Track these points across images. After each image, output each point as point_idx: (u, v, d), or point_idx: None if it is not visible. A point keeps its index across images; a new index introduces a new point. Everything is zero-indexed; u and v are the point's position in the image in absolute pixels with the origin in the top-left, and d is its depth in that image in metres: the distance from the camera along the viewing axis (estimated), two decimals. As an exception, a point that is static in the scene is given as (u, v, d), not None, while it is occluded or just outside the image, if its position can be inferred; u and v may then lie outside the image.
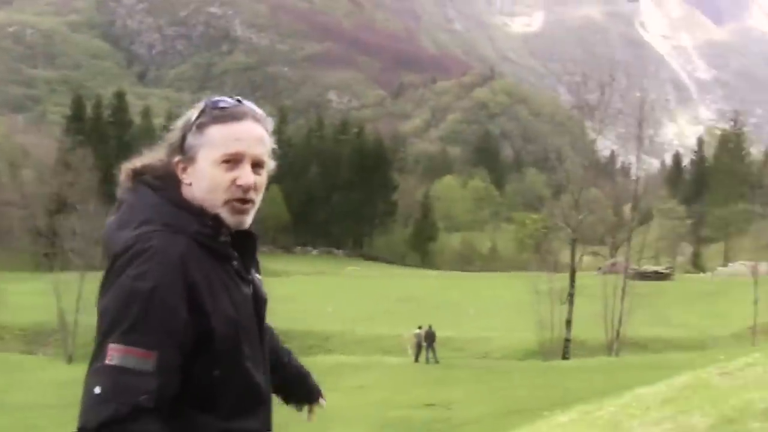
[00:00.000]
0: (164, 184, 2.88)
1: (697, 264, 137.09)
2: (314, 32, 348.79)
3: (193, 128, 2.85)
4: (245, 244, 2.92)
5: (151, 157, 3.01)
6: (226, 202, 2.81)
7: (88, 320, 63.25)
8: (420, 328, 51.28)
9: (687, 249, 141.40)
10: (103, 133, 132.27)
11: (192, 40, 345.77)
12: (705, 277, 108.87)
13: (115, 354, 2.56)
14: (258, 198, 2.89)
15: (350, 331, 67.16)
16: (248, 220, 2.88)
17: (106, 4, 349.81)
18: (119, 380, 2.54)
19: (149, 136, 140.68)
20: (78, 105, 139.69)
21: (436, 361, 49.10)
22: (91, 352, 2.64)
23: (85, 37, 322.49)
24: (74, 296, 63.30)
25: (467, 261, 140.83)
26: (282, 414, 3.29)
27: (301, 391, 3.60)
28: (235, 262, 2.88)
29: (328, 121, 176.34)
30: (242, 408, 2.82)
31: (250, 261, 2.96)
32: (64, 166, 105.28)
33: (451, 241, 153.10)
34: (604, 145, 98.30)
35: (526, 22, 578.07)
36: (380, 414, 35.53)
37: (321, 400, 3.68)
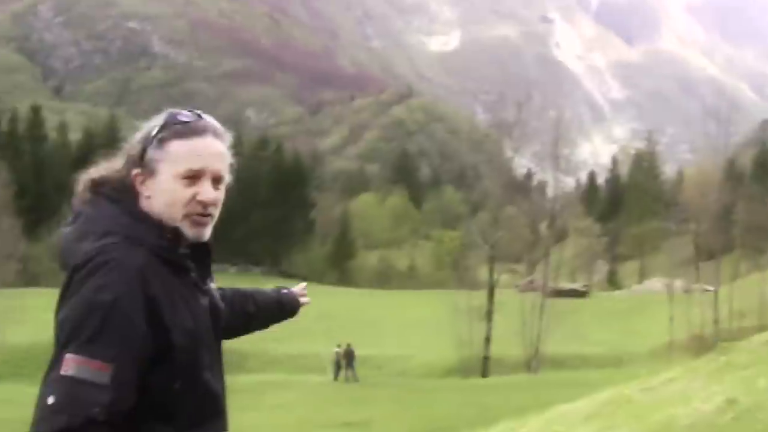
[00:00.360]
0: (122, 196, 2.89)
1: (612, 281, 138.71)
2: (233, 49, 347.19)
3: (154, 142, 2.87)
4: (201, 256, 2.94)
5: (108, 168, 3.00)
6: (186, 216, 2.84)
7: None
8: (339, 346, 51.26)
9: (603, 267, 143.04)
10: (17, 147, 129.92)
11: (109, 54, 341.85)
12: (621, 295, 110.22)
13: (71, 365, 2.56)
14: (217, 212, 2.91)
15: (269, 350, 66.72)
16: (207, 233, 2.91)
17: (23, 17, 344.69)
18: (73, 391, 2.54)
19: (65, 151, 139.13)
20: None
21: (356, 380, 49.11)
22: (48, 362, 2.64)
23: (0, 50, 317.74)
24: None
25: (386, 278, 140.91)
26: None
27: (282, 314, 3.84)
28: (193, 274, 2.90)
29: (246, 138, 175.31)
30: (200, 418, 2.83)
31: (206, 272, 2.99)
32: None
33: (369, 259, 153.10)
34: (521, 164, 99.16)
35: (443, 41, 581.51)
36: (297, 433, 35.38)
37: (303, 300, 3.95)
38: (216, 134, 2.93)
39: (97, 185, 2.93)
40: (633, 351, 67.98)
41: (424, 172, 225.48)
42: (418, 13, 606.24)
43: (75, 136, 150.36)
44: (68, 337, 2.61)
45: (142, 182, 2.86)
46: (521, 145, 71.95)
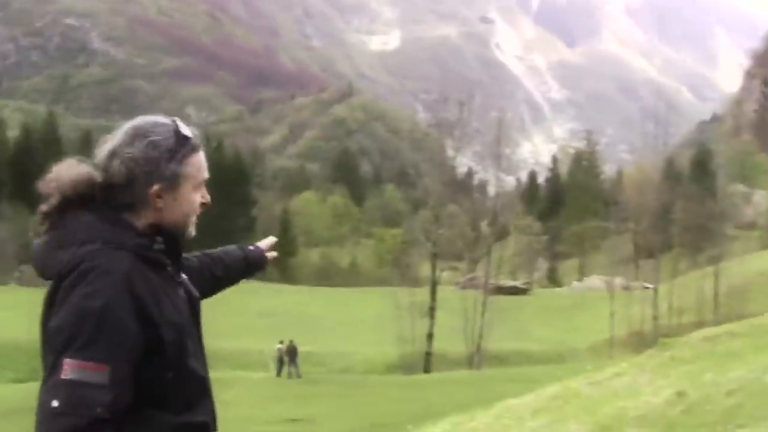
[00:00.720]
0: (97, 202, 2.99)
1: (553, 279, 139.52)
2: (172, 47, 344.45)
3: (177, 157, 3.03)
4: (172, 250, 3.08)
5: (78, 173, 3.05)
6: (192, 220, 3.13)
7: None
8: (282, 342, 51.17)
9: (543, 264, 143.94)
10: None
11: (47, 51, 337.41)
12: (561, 292, 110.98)
13: (70, 369, 2.68)
14: None
15: (211, 347, 66.08)
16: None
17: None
18: (75, 394, 2.67)
19: (3, 148, 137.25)
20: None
21: (299, 376, 49.04)
22: (43, 370, 2.78)
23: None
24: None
25: (327, 276, 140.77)
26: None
27: (249, 270, 3.98)
28: (169, 268, 3.06)
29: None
30: (191, 402, 3.00)
31: (179, 264, 3.14)
32: None
33: (311, 257, 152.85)
34: (461, 162, 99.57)
35: (384, 41, 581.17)
36: (242, 430, 35.25)
37: (269, 255, 4.09)
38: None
39: (67, 192, 2.99)
40: (574, 347, 68.58)
41: (365, 170, 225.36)
42: (359, 13, 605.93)
43: (13, 133, 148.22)
44: (65, 343, 2.72)
45: (158, 196, 3.00)
46: (462, 144, 72.20)
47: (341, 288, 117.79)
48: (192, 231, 3.13)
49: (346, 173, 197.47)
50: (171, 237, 3.06)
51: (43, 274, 2.95)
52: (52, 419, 2.65)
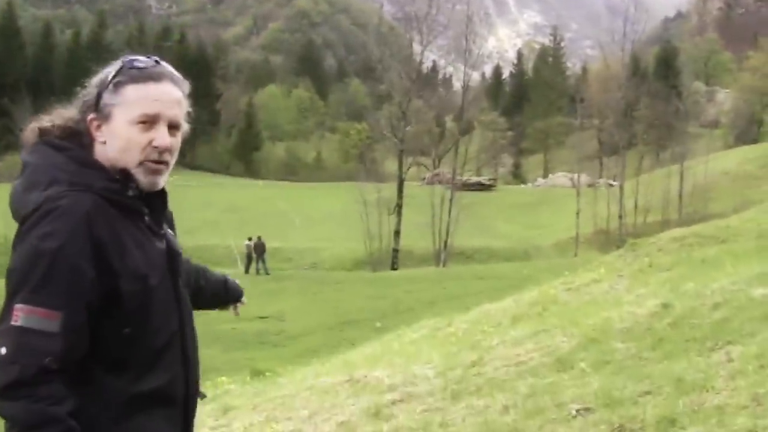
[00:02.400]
0: (69, 143, 2.86)
1: (517, 175, 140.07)
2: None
3: (110, 86, 2.83)
4: (156, 200, 2.92)
5: (60, 115, 2.95)
6: (141, 163, 2.81)
7: None
8: (250, 239, 51.21)
9: (508, 161, 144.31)
10: None
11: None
12: (526, 189, 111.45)
13: (20, 315, 2.58)
14: (172, 160, 2.90)
15: (179, 242, 66.34)
16: (162, 181, 2.89)
17: None
18: (24, 341, 2.57)
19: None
20: None
21: (267, 273, 49.15)
22: None
23: None
24: None
25: (292, 171, 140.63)
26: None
27: (226, 296, 3.78)
28: (146, 218, 2.89)
29: (149, 27, 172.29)
30: (152, 362, 2.82)
31: (161, 216, 2.97)
32: None
33: (275, 151, 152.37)
34: (427, 57, 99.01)
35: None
36: (211, 327, 35.38)
37: (242, 299, 3.88)
38: (173, 81, 2.92)
39: (43, 134, 2.90)
40: (539, 244, 69.12)
41: (330, 63, 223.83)
42: None
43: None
44: (16, 287, 2.63)
45: (98, 127, 2.85)
46: (429, 39, 71.80)
47: (307, 183, 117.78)
48: (151, 181, 2.85)
49: (310, 66, 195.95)
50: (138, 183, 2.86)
51: (16, 217, 2.83)
52: (0, 367, 2.57)
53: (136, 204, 2.83)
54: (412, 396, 7.91)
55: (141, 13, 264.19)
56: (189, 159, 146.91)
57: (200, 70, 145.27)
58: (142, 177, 2.82)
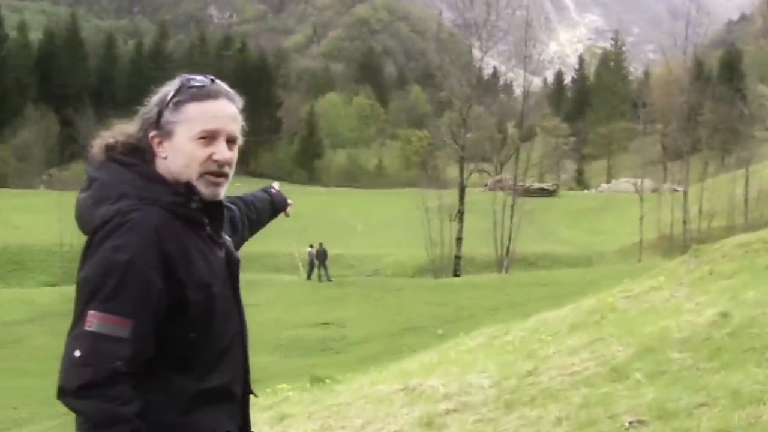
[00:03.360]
0: (135, 159, 3.03)
1: (580, 181, 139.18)
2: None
3: (170, 105, 3.00)
4: (215, 211, 3.09)
5: (122, 131, 3.10)
6: (201, 175, 2.98)
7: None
8: (312, 246, 51.32)
9: (570, 166, 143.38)
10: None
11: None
12: (589, 194, 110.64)
13: (93, 321, 2.77)
14: (231, 172, 3.08)
15: (241, 250, 66.56)
16: (222, 193, 3.08)
17: None
18: (97, 346, 2.75)
19: (26, 52, 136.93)
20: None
21: (329, 279, 49.24)
22: (72, 319, 2.84)
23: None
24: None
25: (354, 178, 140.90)
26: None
27: (275, 211, 4.12)
28: (208, 228, 3.06)
29: (210, 37, 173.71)
30: (214, 364, 3.01)
31: (219, 225, 3.14)
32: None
33: (337, 158, 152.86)
34: (487, 63, 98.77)
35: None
36: (274, 334, 35.61)
37: (288, 204, 4.22)
38: (229, 98, 3.10)
39: (109, 150, 3.05)
40: (602, 250, 68.53)
41: (389, 71, 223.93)
42: None
43: (35, 35, 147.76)
44: (90, 295, 2.80)
45: (159, 144, 3.00)
46: (489, 45, 71.56)
47: (368, 190, 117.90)
48: (213, 192, 3.01)
49: (370, 74, 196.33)
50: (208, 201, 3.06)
51: (84, 229, 3.01)
52: (73, 369, 2.75)
53: (199, 215, 3.01)
54: (466, 406, 7.87)
55: (202, 22, 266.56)
56: (251, 167, 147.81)
57: (261, 79, 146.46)
58: (204, 189, 2.99)
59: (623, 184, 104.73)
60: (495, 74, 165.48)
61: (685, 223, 66.91)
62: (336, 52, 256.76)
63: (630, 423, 6.12)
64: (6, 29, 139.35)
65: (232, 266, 3.14)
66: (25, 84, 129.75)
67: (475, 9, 71.45)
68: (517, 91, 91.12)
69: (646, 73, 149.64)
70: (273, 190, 4.15)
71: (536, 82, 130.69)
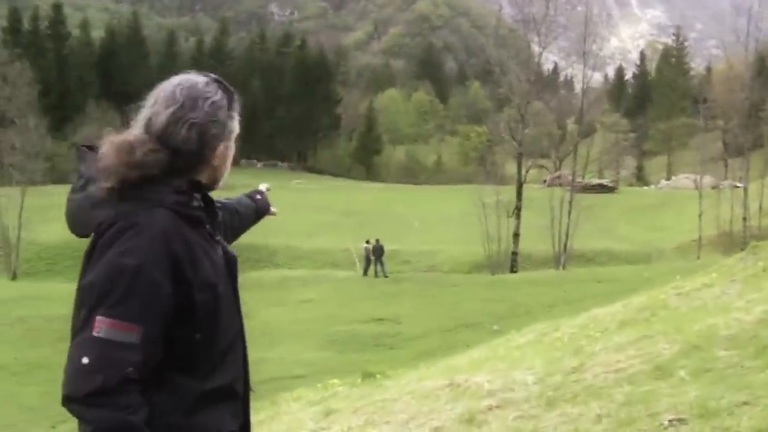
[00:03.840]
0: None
1: (640, 177, 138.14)
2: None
3: (230, 113, 3.09)
4: (210, 209, 3.14)
5: (124, 133, 3.07)
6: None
7: (31, 236, 62.87)
8: (368, 241, 51.37)
9: (630, 162, 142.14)
10: (41, 46, 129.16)
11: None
12: (649, 191, 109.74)
13: (102, 327, 2.73)
14: None
15: (297, 245, 66.97)
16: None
17: None
18: (106, 352, 2.72)
19: (88, 49, 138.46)
20: (14, 17, 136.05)
21: (385, 275, 49.24)
22: (73, 324, 2.84)
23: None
24: (16, 212, 62.75)
25: (412, 174, 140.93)
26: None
27: (258, 217, 4.17)
28: (207, 226, 3.09)
29: (270, 34, 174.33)
30: (218, 363, 3.01)
31: (215, 224, 3.18)
32: (1, 80, 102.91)
33: (395, 154, 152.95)
34: (547, 59, 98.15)
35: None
36: (328, 329, 35.70)
37: (271, 210, 4.28)
38: None
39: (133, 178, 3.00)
40: (661, 247, 67.93)
41: (450, 67, 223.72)
42: None
43: (98, 33, 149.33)
44: (97, 300, 2.76)
45: (214, 149, 3.06)
46: (548, 40, 71.20)
47: (426, 186, 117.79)
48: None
49: (430, 70, 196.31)
50: (207, 194, 3.12)
51: (76, 230, 3.03)
52: (82, 376, 2.70)
53: (201, 215, 3.03)
54: (508, 402, 7.81)
55: (263, 20, 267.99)
56: (311, 163, 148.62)
57: (320, 76, 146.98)
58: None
59: (683, 180, 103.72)
60: (555, 70, 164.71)
61: (745, 219, 66.08)
62: (396, 49, 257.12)
63: (669, 421, 6.04)
64: (69, 27, 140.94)
65: (231, 264, 3.15)
66: (87, 81, 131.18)
67: (535, 4, 71.05)
68: (578, 87, 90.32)
69: (708, 69, 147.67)
70: (258, 197, 4.16)
71: (597, 77, 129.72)
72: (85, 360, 2.70)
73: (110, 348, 2.71)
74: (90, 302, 2.77)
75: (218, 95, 3.03)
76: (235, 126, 3.11)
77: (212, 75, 3.11)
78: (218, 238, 3.14)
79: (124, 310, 2.73)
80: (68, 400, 2.73)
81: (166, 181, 2.93)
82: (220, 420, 2.99)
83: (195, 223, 2.97)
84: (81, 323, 2.77)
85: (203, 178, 3.05)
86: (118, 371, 2.69)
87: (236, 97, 3.10)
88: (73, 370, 2.72)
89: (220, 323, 2.97)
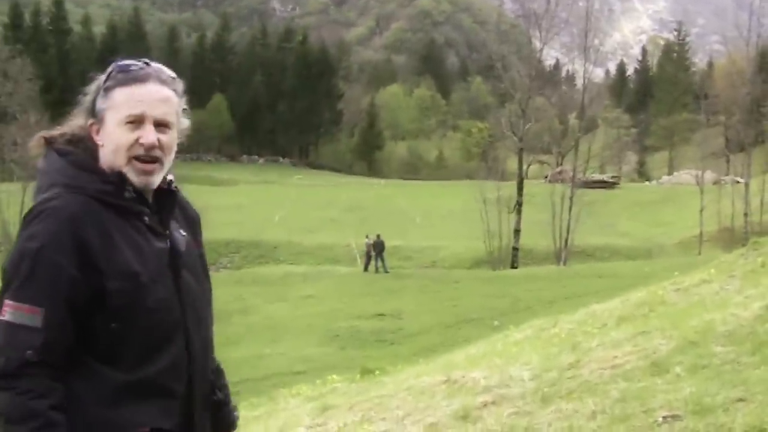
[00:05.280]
0: (72, 148, 3.02)
1: (642, 173, 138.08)
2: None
3: (101, 92, 3.00)
4: (163, 200, 3.07)
5: (69, 123, 3.12)
6: (129, 161, 2.93)
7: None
8: (368, 237, 51.43)
9: (632, 158, 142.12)
10: (42, 41, 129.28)
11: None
12: (650, 186, 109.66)
13: (7, 310, 2.76)
14: (167, 158, 3.01)
15: (298, 241, 66.96)
16: (155, 180, 3.00)
17: None
18: (10, 335, 2.74)
19: (90, 45, 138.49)
20: (15, 13, 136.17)
21: (386, 271, 49.31)
22: None
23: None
24: (17, 208, 62.76)
25: (414, 169, 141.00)
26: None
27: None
28: (146, 218, 2.99)
29: (272, 29, 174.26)
30: (145, 356, 2.89)
31: (168, 215, 3.08)
32: (2, 75, 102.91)
33: (397, 150, 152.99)
34: (549, 54, 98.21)
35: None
36: (330, 324, 35.79)
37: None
38: (161, 80, 3.02)
39: (48, 142, 3.05)
40: (662, 243, 67.92)
41: (452, 62, 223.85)
42: None
43: (99, 29, 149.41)
44: (5, 284, 2.80)
45: (97, 132, 2.99)
46: (550, 36, 71.15)
47: (428, 181, 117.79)
48: (144, 180, 2.95)
49: (432, 66, 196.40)
50: (161, 190, 3.05)
51: None
52: None
53: (132, 205, 2.95)
54: (504, 398, 7.80)
55: (265, 15, 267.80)
56: (312, 158, 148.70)
57: (322, 71, 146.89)
58: (134, 177, 2.94)
59: (685, 175, 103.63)
60: (556, 65, 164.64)
61: (746, 215, 66.02)
62: (398, 44, 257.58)
63: (664, 418, 6.01)
64: (70, 23, 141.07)
65: (174, 257, 3.03)
66: (88, 77, 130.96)
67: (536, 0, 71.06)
68: (579, 83, 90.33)
69: (710, 65, 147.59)
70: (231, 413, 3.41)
71: (598, 72, 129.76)
72: None
73: (12, 330, 2.73)
74: (2, 287, 2.82)
75: (104, 73, 3.03)
76: (107, 104, 2.96)
77: (143, 60, 3.08)
78: (168, 231, 3.04)
79: (26, 292, 2.75)
80: None
81: (78, 159, 2.96)
82: (144, 415, 2.89)
83: (126, 213, 2.92)
84: None
85: (102, 159, 2.96)
86: (18, 353, 2.70)
87: (120, 75, 2.98)
88: None
89: (146, 315, 2.87)
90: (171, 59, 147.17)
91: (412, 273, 51.02)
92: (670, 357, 7.67)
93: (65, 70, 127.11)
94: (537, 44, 74.41)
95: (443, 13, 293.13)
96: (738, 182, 75.53)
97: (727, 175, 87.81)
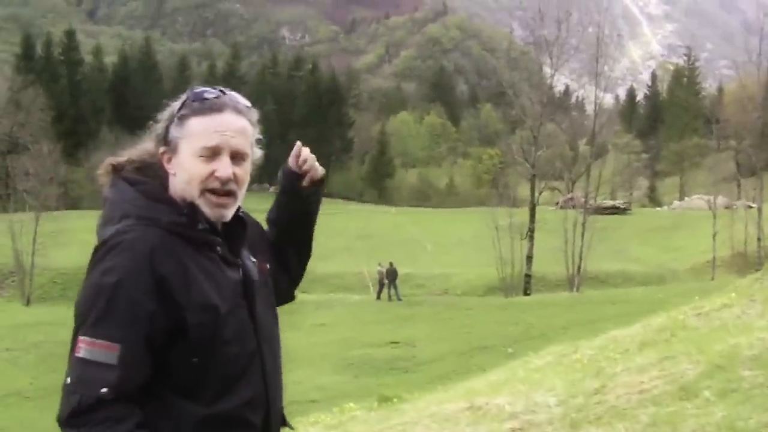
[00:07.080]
0: (142, 177, 2.96)
1: (653, 198, 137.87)
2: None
3: (175, 120, 2.90)
4: (233, 230, 2.99)
5: (137, 149, 3.04)
6: (202, 193, 2.87)
7: (44, 262, 62.97)
8: (381, 264, 51.36)
9: (643, 183, 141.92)
10: (54, 71, 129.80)
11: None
12: (662, 212, 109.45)
13: (82, 346, 2.70)
14: (241, 190, 2.94)
15: (310, 269, 66.10)
16: (229, 214, 2.94)
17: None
18: (84, 372, 2.68)
19: (101, 75, 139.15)
20: (27, 43, 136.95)
21: (399, 299, 49.18)
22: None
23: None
24: (30, 237, 62.94)
25: (425, 197, 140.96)
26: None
27: (290, 190, 3.61)
28: (219, 248, 2.93)
29: (282, 58, 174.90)
30: (224, 389, 2.85)
31: (239, 244, 3.02)
32: (14, 105, 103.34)
33: (408, 177, 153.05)
34: (559, 80, 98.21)
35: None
36: (343, 353, 35.63)
37: (302, 167, 3.69)
38: (237, 110, 2.94)
39: (116, 169, 2.98)
40: (675, 268, 67.68)
41: (461, 89, 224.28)
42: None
43: (110, 59, 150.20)
44: (80, 320, 2.74)
45: (168, 160, 2.91)
46: (560, 62, 71.16)
47: (439, 209, 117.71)
48: (217, 213, 2.90)
49: (442, 93, 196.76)
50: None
51: None
52: (65, 397, 2.68)
53: (206, 237, 2.89)
54: (531, 424, 7.75)
55: (274, 44, 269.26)
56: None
57: (332, 99, 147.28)
58: (207, 210, 2.88)
59: (696, 201, 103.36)
60: (567, 92, 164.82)
61: (759, 240, 65.77)
62: (408, 72, 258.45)
63: (697, 442, 5.98)
64: (82, 53, 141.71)
65: (248, 288, 2.98)
66: (100, 107, 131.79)
67: (547, 26, 71.05)
68: (589, 109, 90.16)
69: (720, 89, 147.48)
70: (283, 183, 3.63)
71: (608, 98, 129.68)
72: (68, 380, 2.69)
73: (88, 367, 2.67)
74: (76, 322, 2.76)
75: (178, 101, 2.96)
76: (181, 133, 2.88)
77: (213, 88, 3.00)
78: (239, 260, 2.99)
79: (102, 329, 2.69)
80: (59, 423, 2.70)
81: (151, 190, 2.90)
82: None
83: (198, 244, 2.87)
84: (71, 344, 2.75)
85: (172, 188, 2.91)
86: (92, 391, 2.65)
87: (195, 104, 2.90)
88: (62, 392, 2.70)
89: (225, 347, 2.84)
90: (182, 88, 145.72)
91: (425, 300, 50.90)
92: (698, 381, 7.63)
93: (77, 101, 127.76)
94: (548, 71, 74.45)
95: (452, 40, 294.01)
96: (750, 207, 75.28)
97: (738, 199, 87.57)
